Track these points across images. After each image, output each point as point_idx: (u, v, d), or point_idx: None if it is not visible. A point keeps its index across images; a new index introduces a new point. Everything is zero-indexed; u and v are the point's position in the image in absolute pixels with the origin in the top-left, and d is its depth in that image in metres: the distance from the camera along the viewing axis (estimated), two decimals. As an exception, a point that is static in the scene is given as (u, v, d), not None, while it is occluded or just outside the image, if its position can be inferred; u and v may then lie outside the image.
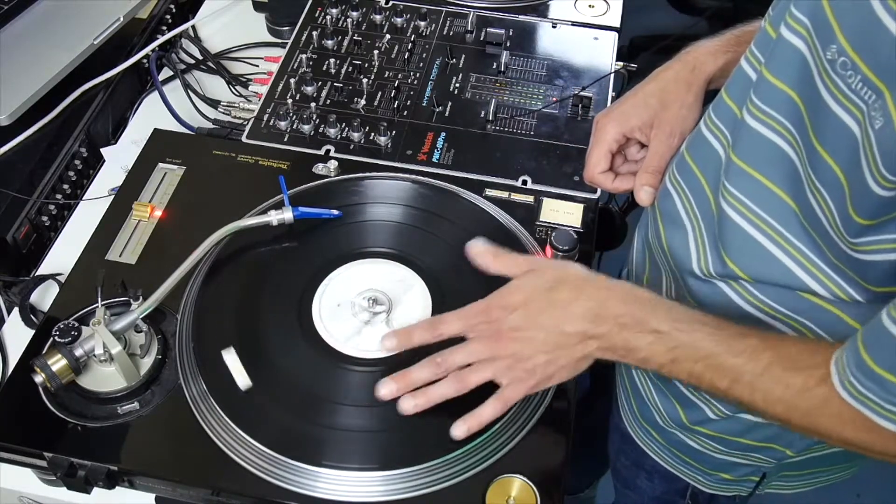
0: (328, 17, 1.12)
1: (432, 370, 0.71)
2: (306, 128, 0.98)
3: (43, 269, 0.93)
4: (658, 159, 0.82)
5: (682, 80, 0.82)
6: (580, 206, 0.91)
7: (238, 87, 1.10)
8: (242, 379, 0.74)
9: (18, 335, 0.86)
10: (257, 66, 1.13)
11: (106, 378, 0.75)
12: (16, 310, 0.89)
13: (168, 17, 1.19)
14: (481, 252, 0.73)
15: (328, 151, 0.96)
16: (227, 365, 0.74)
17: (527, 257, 0.73)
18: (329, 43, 1.09)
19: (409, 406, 0.70)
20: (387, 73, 1.06)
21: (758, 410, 0.64)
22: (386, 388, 0.71)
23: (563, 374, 0.70)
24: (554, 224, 0.89)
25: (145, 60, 1.12)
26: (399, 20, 1.12)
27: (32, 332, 0.82)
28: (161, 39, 1.13)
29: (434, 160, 0.96)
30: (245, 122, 1.01)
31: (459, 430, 0.70)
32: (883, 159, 0.53)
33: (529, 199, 0.91)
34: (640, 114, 0.82)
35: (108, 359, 0.73)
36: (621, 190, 0.86)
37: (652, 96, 0.83)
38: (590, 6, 1.18)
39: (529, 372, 0.69)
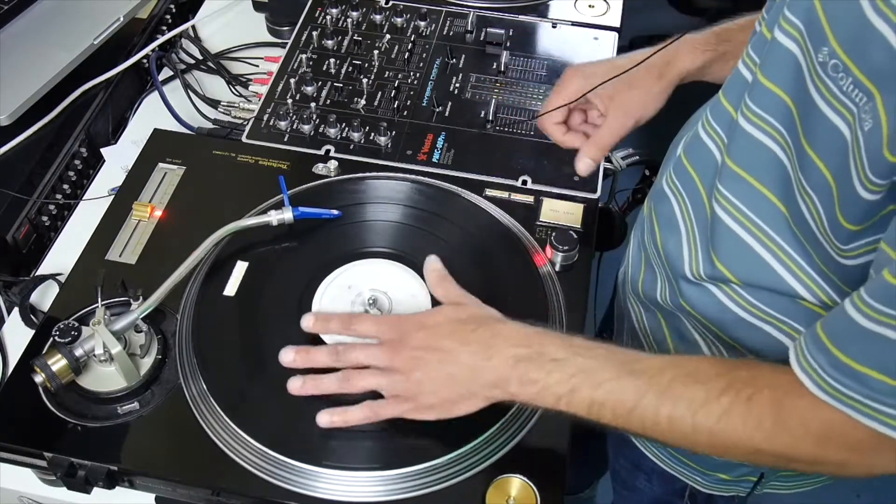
0: (328, 17, 1.12)
1: (332, 358, 0.71)
2: (306, 128, 0.98)
3: (43, 269, 0.93)
4: (609, 136, 0.86)
5: (654, 69, 0.84)
6: (580, 206, 0.91)
7: (238, 87, 1.10)
8: (232, 287, 0.80)
9: (18, 335, 0.86)
10: (257, 66, 1.13)
11: (106, 378, 0.75)
12: (16, 310, 0.89)
13: (168, 17, 1.19)
14: (432, 270, 0.75)
15: (328, 151, 0.96)
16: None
17: (463, 292, 0.73)
18: (329, 43, 1.09)
19: (295, 387, 0.71)
20: (387, 73, 1.06)
21: (662, 435, 0.62)
22: (286, 356, 0.72)
23: (442, 410, 0.68)
24: (554, 224, 0.89)
25: (145, 60, 1.12)
26: (399, 20, 1.12)
27: (32, 332, 0.82)
28: (161, 39, 1.13)
29: (434, 160, 0.96)
30: (245, 122, 1.01)
31: (323, 419, 0.70)
32: (870, 162, 0.53)
33: (529, 199, 0.91)
34: (607, 83, 0.85)
35: (108, 359, 0.73)
36: (568, 145, 0.90)
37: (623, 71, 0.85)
38: (590, 6, 1.18)
39: (412, 394, 0.68)
